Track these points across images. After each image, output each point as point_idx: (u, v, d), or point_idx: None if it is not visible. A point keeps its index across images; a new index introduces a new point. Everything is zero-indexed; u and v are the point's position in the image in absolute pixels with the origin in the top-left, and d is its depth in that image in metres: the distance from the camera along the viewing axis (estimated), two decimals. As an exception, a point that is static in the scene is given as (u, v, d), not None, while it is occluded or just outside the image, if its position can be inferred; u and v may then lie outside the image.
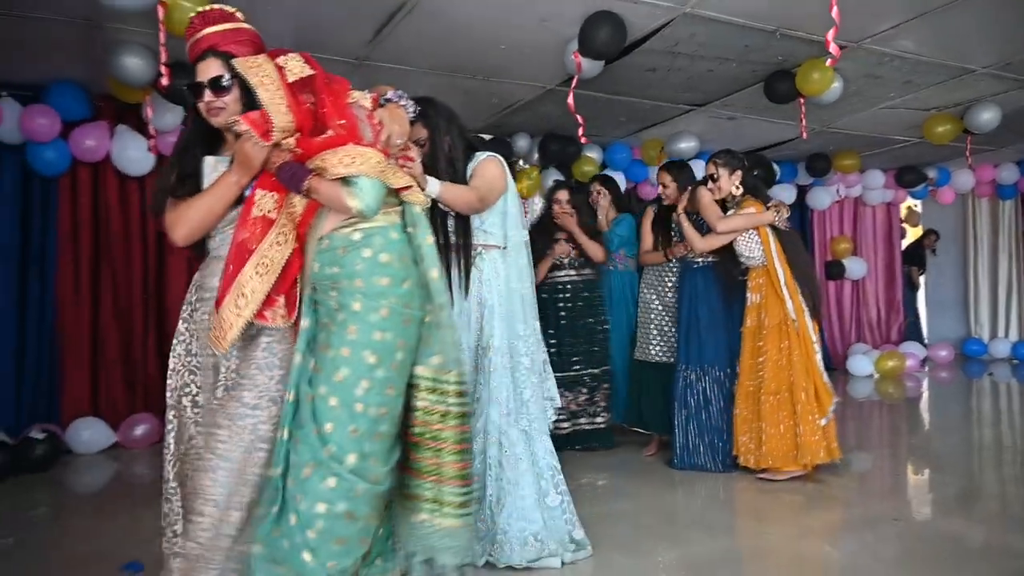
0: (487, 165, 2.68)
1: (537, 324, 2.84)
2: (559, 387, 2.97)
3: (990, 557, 2.74)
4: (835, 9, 2.47)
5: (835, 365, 8.04)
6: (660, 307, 4.33)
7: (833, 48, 2.58)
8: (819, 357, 3.83)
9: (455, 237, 2.70)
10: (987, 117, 5.66)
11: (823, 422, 3.73)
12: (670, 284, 4.32)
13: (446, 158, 2.63)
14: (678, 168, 4.40)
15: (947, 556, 2.73)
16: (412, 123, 2.35)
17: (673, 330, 4.27)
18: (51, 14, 3.66)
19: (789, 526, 3.18)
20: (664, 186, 4.33)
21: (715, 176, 3.97)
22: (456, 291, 2.66)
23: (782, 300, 3.83)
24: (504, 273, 2.73)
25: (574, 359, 4.37)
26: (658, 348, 4.32)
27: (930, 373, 7.89)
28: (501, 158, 2.73)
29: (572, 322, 4.41)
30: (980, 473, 4.07)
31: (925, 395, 6.85)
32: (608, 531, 2.99)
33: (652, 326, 4.36)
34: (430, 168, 2.53)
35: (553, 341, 4.27)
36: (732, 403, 3.96)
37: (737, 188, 3.97)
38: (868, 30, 4.18)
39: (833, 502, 3.51)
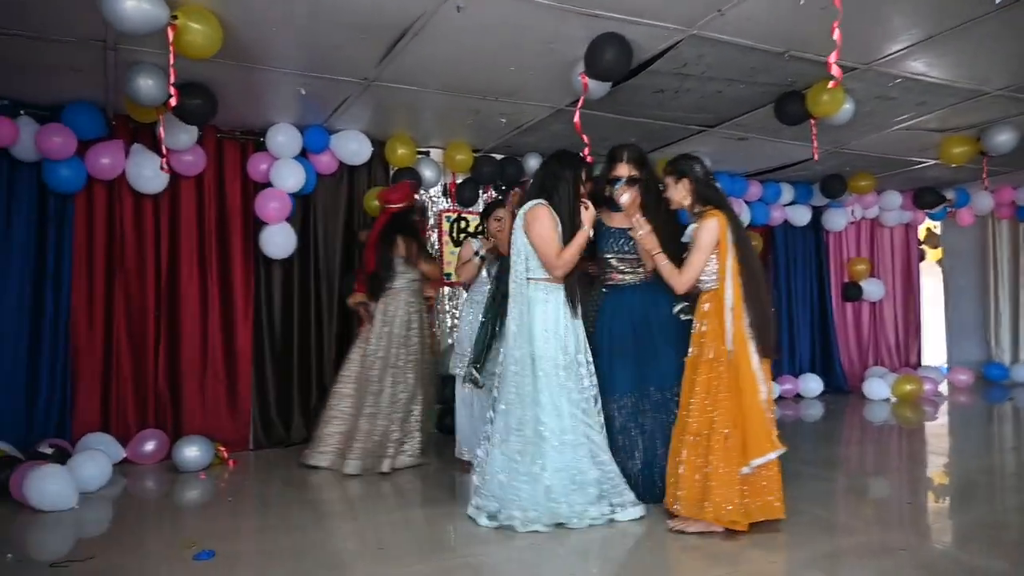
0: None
1: None
2: None
3: None
4: (837, 32, 2.45)
5: (851, 388, 7.97)
6: None
7: (835, 70, 2.55)
8: (763, 396, 3.14)
9: None
10: (1003, 139, 5.61)
11: (745, 471, 3.08)
12: None
13: None
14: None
15: None
16: None
17: None
18: (67, 36, 3.72)
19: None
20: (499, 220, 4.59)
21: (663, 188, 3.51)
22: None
23: (723, 327, 3.20)
24: None
25: None
26: None
27: (949, 397, 7.75)
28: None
29: None
30: (983, 499, 3.98)
31: (943, 420, 6.72)
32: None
33: None
34: None
35: None
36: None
37: (686, 199, 3.39)
38: (878, 52, 4.16)
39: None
